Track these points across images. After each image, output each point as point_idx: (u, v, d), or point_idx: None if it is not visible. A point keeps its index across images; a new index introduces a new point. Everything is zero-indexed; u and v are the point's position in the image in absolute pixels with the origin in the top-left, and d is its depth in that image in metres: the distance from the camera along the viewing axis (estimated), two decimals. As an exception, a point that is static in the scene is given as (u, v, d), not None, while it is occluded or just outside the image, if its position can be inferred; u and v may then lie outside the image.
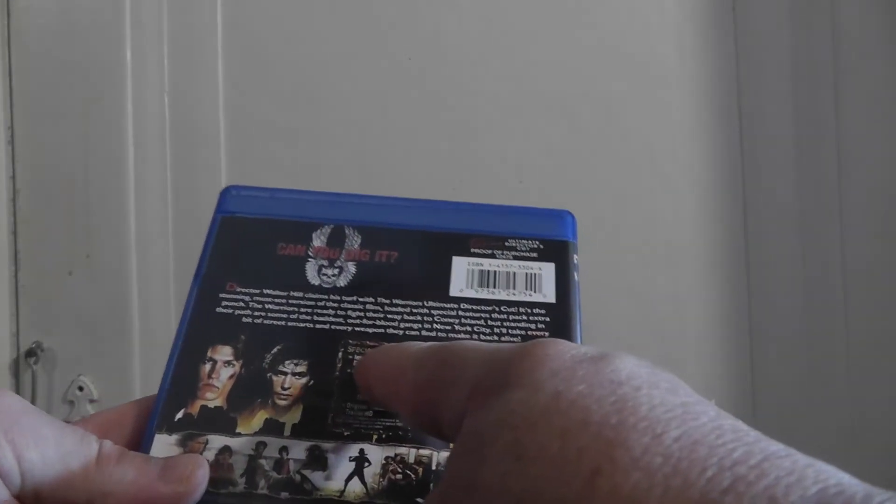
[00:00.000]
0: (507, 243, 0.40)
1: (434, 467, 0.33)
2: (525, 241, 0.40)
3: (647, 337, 0.86)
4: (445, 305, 0.38)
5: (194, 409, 0.34)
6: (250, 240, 0.40)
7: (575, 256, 0.40)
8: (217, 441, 0.34)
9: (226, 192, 0.42)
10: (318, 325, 0.37)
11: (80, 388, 0.96)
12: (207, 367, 0.36)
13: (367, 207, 0.41)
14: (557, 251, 0.40)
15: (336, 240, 0.40)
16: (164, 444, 0.33)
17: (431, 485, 0.33)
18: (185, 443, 0.34)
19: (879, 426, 0.73)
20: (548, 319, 0.37)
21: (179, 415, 0.34)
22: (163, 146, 0.88)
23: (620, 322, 0.85)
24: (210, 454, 0.33)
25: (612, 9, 0.85)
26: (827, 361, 0.76)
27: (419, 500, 0.32)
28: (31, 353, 0.95)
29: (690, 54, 0.81)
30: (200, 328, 0.37)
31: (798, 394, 0.76)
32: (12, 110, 0.87)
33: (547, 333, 0.37)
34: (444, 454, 0.33)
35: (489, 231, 0.40)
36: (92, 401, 0.98)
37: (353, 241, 0.40)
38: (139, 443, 0.34)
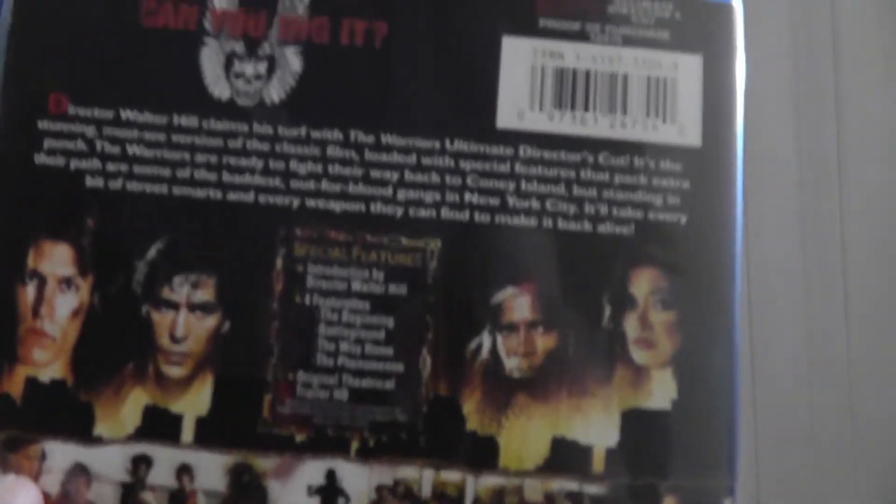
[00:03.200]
0: (611, 7, 0.20)
1: (470, 502, 0.18)
2: (646, 3, 0.20)
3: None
4: (489, 150, 0.19)
5: (14, 382, 0.18)
6: (84, 1, 0.19)
7: (738, 36, 0.20)
8: (61, 453, 0.18)
9: None
10: (232, 195, 0.19)
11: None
12: (30, 290, 0.19)
13: None
14: (709, 25, 0.20)
15: None
16: None
17: None
18: (4, 456, 0.18)
19: (879, 426, 0.73)
20: (686, 186, 0.19)
21: None
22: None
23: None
24: (51, 479, 0.18)
25: None
26: (827, 361, 0.75)
27: None
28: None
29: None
30: (8, 201, 0.19)
31: (798, 394, 0.75)
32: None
33: (685, 217, 0.19)
34: (487, 480, 0.18)
35: None
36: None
37: None
38: None
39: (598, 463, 0.19)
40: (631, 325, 0.19)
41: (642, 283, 0.19)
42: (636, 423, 0.19)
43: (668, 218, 0.19)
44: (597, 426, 0.19)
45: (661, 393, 0.19)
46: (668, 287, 0.19)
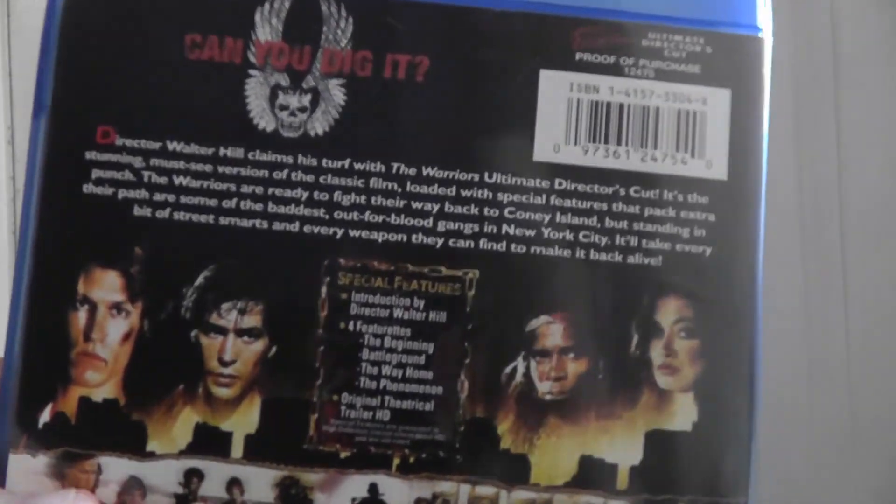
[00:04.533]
0: (645, 42, 0.20)
1: None
2: (678, 37, 0.20)
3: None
4: (525, 182, 0.20)
5: (69, 402, 0.19)
6: (130, 32, 0.20)
7: (765, 69, 0.20)
8: (116, 467, 0.19)
9: None
10: (277, 225, 0.20)
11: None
12: (82, 315, 0.19)
13: None
14: (737, 58, 0.20)
15: (303, 27, 0.20)
16: (26, 473, 0.19)
17: None
18: (62, 470, 0.19)
19: (879, 426, 0.74)
20: (712, 219, 0.20)
21: (45, 415, 0.19)
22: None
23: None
24: (108, 493, 0.19)
25: None
26: (827, 361, 0.76)
27: None
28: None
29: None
30: (58, 230, 0.20)
31: (798, 394, 0.76)
32: (12, 110, 0.87)
33: (710, 249, 0.20)
34: (519, 495, 0.20)
35: (610, 13, 0.20)
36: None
37: (339, 29, 0.20)
38: None
39: (622, 480, 0.20)
40: (657, 352, 0.20)
41: (668, 313, 0.21)
42: (659, 443, 0.20)
43: (693, 249, 0.20)
44: (622, 446, 0.20)
45: (682, 416, 0.20)
46: (693, 316, 0.20)
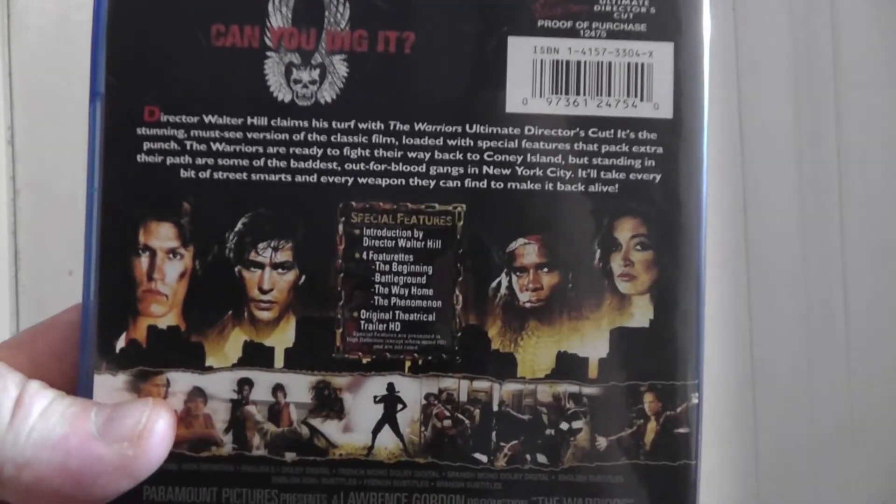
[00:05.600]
0: (596, 7, 0.24)
1: (496, 407, 0.24)
2: (626, 2, 0.24)
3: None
4: (500, 131, 0.24)
5: (139, 331, 0.24)
6: (165, 26, 0.24)
7: (705, 24, 0.24)
8: (182, 380, 0.24)
9: None
10: (299, 177, 0.24)
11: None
12: (143, 260, 0.24)
13: None
14: (678, 16, 0.24)
15: (308, 14, 0.24)
16: (108, 389, 0.24)
17: (494, 434, 0.24)
18: (137, 385, 0.24)
19: (879, 426, 0.73)
20: (660, 150, 0.24)
21: (120, 342, 0.24)
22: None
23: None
24: (176, 401, 0.24)
25: None
26: (827, 361, 0.76)
27: (478, 455, 0.24)
28: (30, 353, 0.94)
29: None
30: (119, 194, 0.24)
31: (798, 394, 0.76)
32: (12, 110, 0.87)
33: (659, 176, 0.24)
34: (508, 387, 0.24)
35: None
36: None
37: (338, 14, 0.24)
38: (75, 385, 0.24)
39: (592, 371, 0.25)
40: (616, 263, 0.25)
41: (625, 230, 0.25)
42: (621, 338, 0.25)
43: (645, 177, 0.24)
44: (591, 342, 0.25)
45: (640, 315, 0.25)
46: (647, 232, 0.25)
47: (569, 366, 0.25)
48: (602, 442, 0.25)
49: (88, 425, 0.21)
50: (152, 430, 0.22)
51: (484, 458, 0.24)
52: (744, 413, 0.73)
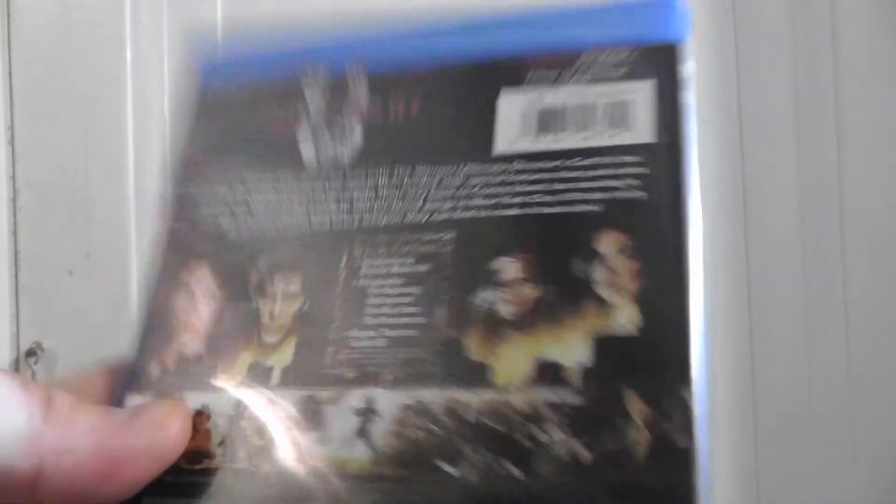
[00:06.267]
0: (580, 60, 0.26)
1: (473, 419, 0.23)
2: (607, 54, 0.26)
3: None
4: (489, 168, 0.26)
5: (170, 359, 0.27)
6: (227, 120, 0.29)
7: (685, 66, 0.25)
8: (193, 399, 0.26)
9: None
10: (315, 222, 0.27)
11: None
12: (183, 296, 0.27)
13: (374, 43, 0.29)
14: (657, 61, 0.25)
15: (335, 91, 0.29)
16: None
17: (467, 445, 0.23)
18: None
19: (879, 426, 0.73)
20: (645, 171, 0.24)
21: (154, 369, 0.27)
22: (163, 146, 0.88)
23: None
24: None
25: None
26: (827, 361, 0.76)
27: (441, 463, 0.23)
28: (31, 352, 0.94)
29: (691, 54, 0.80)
30: (173, 240, 0.28)
31: (798, 394, 0.75)
32: (12, 110, 0.87)
33: (645, 194, 0.24)
34: (487, 396, 0.24)
35: (553, 47, 0.26)
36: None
37: (358, 90, 0.28)
38: None
39: (575, 379, 0.24)
40: (600, 273, 0.24)
41: (610, 244, 0.25)
42: (607, 346, 0.24)
43: (630, 195, 0.25)
44: (573, 350, 0.24)
45: (627, 322, 0.24)
46: (632, 245, 0.24)
47: (547, 373, 0.24)
48: (586, 455, 0.23)
49: (119, 415, 0.24)
50: (177, 416, 0.24)
51: (454, 471, 0.23)
52: (744, 413, 0.73)
